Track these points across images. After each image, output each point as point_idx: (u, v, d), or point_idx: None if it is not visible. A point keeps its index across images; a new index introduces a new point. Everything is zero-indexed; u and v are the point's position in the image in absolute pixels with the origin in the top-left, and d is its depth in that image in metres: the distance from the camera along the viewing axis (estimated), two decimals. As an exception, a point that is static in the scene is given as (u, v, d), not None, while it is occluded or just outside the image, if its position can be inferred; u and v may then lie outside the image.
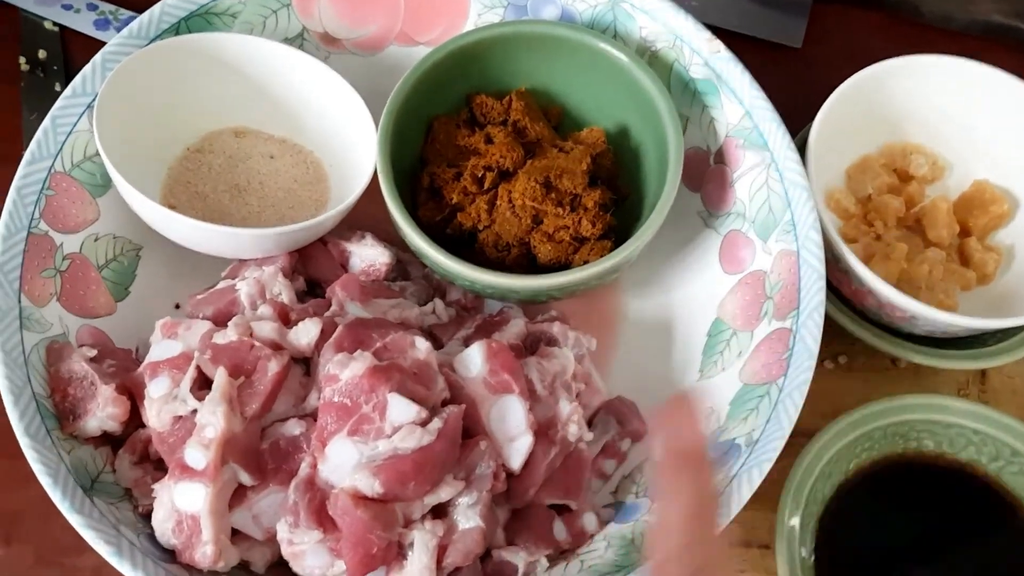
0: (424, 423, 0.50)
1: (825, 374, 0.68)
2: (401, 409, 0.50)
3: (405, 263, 0.65)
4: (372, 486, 0.48)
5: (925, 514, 0.61)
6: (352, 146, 0.63)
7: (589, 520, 0.56)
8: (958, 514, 0.61)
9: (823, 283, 0.56)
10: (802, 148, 0.62)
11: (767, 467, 0.52)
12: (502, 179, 0.62)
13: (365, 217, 0.63)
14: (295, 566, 0.50)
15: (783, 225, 0.59)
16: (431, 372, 0.53)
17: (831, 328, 0.64)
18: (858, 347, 0.68)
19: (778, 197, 0.60)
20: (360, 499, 0.48)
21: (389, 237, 0.63)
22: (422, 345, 0.53)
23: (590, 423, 0.60)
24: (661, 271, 0.67)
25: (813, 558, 0.57)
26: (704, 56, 0.63)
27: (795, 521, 0.56)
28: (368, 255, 0.62)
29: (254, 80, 0.65)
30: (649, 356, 0.65)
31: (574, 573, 0.53)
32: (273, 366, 0.52)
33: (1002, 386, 0.68)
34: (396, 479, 0.48)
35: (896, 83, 0.67)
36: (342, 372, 0.50)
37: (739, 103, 0.62)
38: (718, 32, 0.64)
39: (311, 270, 0.62)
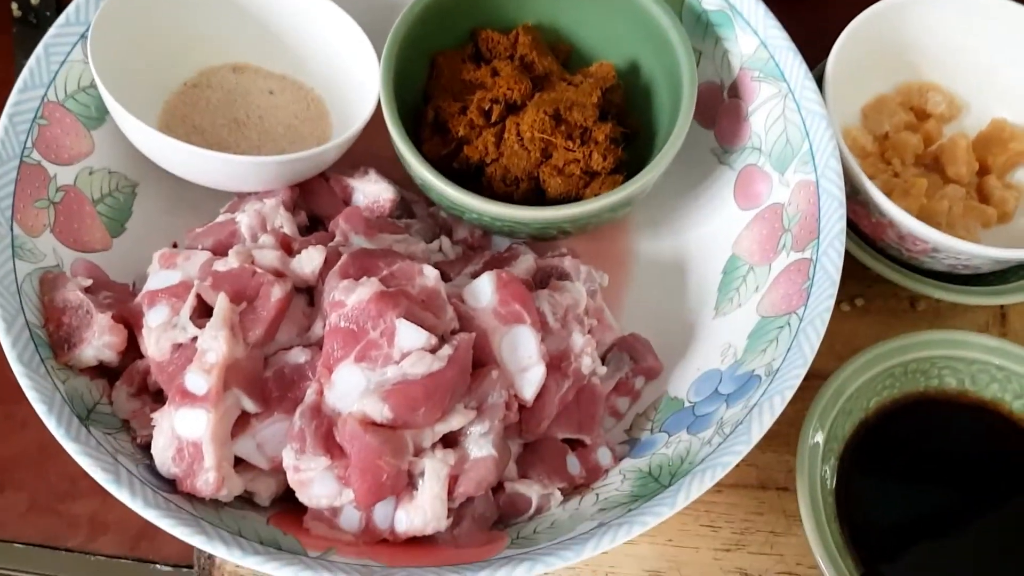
0: (434, 350, 0.48)
1: (842, 316, 0.67)
2: (410, 335, 0.48)
3: (410, 202, 0.63)
4: (381, 411, 0.46)
5: (948, 453, 0.59)
6: (355, 82, 0.62)
7: (603, 455, 0.54)
8: (983, 453, 0.59)
9: (843, 211, 0.55)
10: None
11: (789, 394, 0.50)
12: (510, 112, 0.60)
13: (368, 156, 0.62)
14: (301, 495, 0.48)
15: (801, 156, 0.58)
16: (440, 300, 0.51)
17: (849, 268, 0.62)
18: (875, 289, 0.67)
19: (795, 128, 0.58)
20: (369, 424, 0.46)
21: (392, 176, 0.61)
22: (430, 273, 0.51)
23: (603, 360, 0.58)
24: (674, 211, 0.65)
25: (833, 491, 0.56)
26: (717, -14, 0.61)
27: (816, 441, 0.54)
28: (372, 191, 0.60)
29: (253, 15, 0.63)
30: (663, 295, 0.63)
31: (589, 506, 0.51)
32: (276, 292, 0.50)
33: (1022, 327, 0.67)
34: (405, 404, 0.46)
35: (910, 17, 0.65)
36: (348, 298, 0.48)
37: (754, 34, 0.60)
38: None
39: (313, 206, 0.60)
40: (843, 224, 0.54)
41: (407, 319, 0.48)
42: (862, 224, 0.61)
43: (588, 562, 0.59)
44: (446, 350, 0.48)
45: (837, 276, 0.53)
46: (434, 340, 0.49)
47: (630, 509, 0.49)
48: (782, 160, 0.59)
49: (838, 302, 0.67)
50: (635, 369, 0.58)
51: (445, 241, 0.60)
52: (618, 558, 0.59)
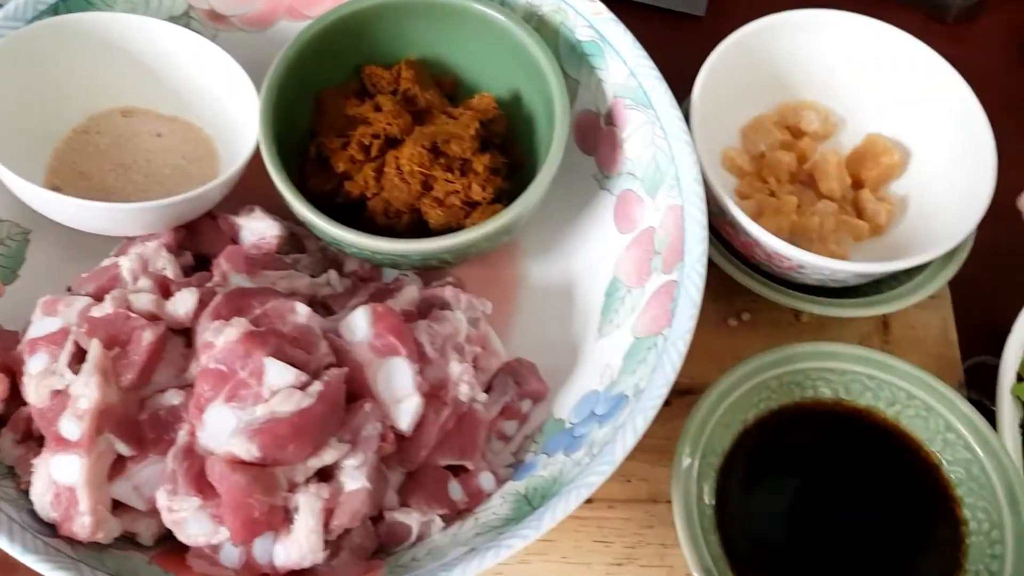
0: (304, 387, 0.50)
1: (729, 331, 0.69)
2: (279, 373, 0.49)
3: (301, 236, 0.64)
4: (249, 450, 0.47)
5: (826, 461, 0.61)
6: (239, 122, 0.63)
7: (486, 479, 0.56)
8: (861, 459, 0.61)
9: (706, 234, 0.57)
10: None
11: (652, 414, 0.52)
12: (390, 147, 0.62)
13: (260, 191, 0.63)
14: (179, 534, 0.49)
15: (669, 181, 0.60)
16: (312, 336, 0.52)
17: (733, 286, 0.65)
18: (761, 303, 0.69)
19: (663, 153, 0.60)
20: (237, 463, 0.48)
21: (285, 212, 0.63)
22: (302, 310, 0.53)
23: (490, 385, 0.60)
24: (560, 235, 0.67)
25: (713, 506, 0.58)
26: (587, 18, 0.63)
27: (689, 463, 0.56)
28: (258, 228, 0.61)
29: (141, 60, 0.64)
30: (551, 319, 0.65)
31: (468, 530, 0.53)
32: (148, 336, 0.51)
33: (904, 336, 0.69)
34: (273, 442, 0.48)
35: (781, 39, 0.68)
36: (217, 339, 0.50)
37: (623, 63, 0.62)
38: (625, 2, 0.64)
39: (201, 245, 0.61)
40: (705, 246, 0.56)
41: (276, 357, 0.50)
42: (736, 243, 0.63)
43: (482, 583, 0.60)
44: (316, 386, 0.50)
45: (699, 297, 0.55)
46: (304, 377, 0.50)
47: (501, 533, 0.50)
48: (653, 185, 0.61)
49: (725, 318, 0.70)
50: (520, 393, 0.59)
51: (333, 274, 0.61)
52: (512, 578, 0.61)
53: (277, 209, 0.63)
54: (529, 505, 0.52)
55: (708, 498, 0.58)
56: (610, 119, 0.64)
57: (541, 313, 0.65)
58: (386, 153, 0.61)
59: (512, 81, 0.65)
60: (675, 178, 0.59)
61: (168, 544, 0.52)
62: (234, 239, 0.62)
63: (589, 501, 0.61)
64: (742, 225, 0.59)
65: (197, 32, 0.65)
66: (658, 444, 0.63)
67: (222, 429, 0.49)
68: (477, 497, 0.55)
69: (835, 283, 0.62)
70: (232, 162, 0.63)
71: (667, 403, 0.65)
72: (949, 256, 0.63)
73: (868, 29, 0.68)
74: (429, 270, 0.64)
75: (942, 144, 0.67)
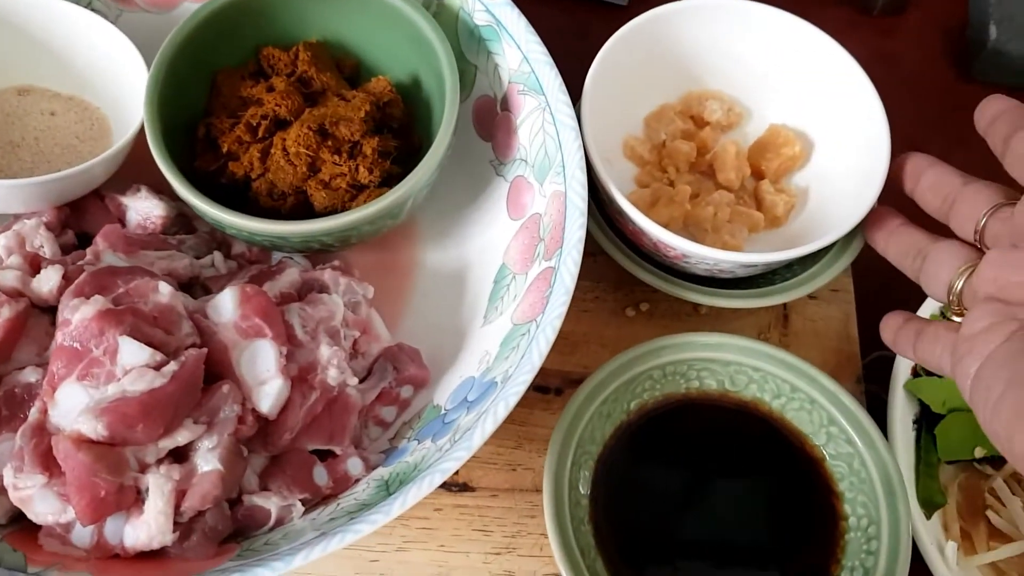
0: (159, 366, 0.49)
1: (626, 321, 0.68)
2: (132, 352, 0.49)
3: (191, 217, 0.64)
4: (95, 428, 0.47)
5: (711, 453, 0.61)
6: (135, 102, 0.62)
7: (354, 465, 0.55)
8: (745, 452, 0.61)
9: (584, 220, 0.56)
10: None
11: (513, 400, 0.51)
12: (279, 128, 0.61)
13: (157, 171, 0.62)
14: (27, 512, 0.49)
15: (555, 167, 0.59)
16: (174, 316, 0.52)
17: (630, 276, 0.64)
18: (660, 294, 0.68)
19: (552, 140, 0.60)
20: (82, 442, 0.47)
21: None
22: (165, 289, 0.52)
23: (370, 370, 0.59)
24: (458, 221, 0.66)
25: (588, 495, 0.57)
26: (484, 2, 0.63)
27: (561, 452, 0.56)
28: (143, 208, 0.61)
29: (38, 39, 0.64)
30: (443, 305, 0.64)
31: (326, 515, 0.53)
32: (5, 312, 0.51)
33: (804, 329, 0.69)
34: (120, 421, 0.47)
35: (682, 27, 0.67)
36: (73, 316, 0.50)
37: (517, 48, 0.62)
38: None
39: (86, 225, 0.61)
40: (582, 233, 0.56)
41: (133, 336, 0.50)
42: (627, 232, 0.63)
43: (360, 571, 0.60)
44: (171, 366, 0.49)
45: (572, 284, 0.54)
46: (159, 357, 0.50)
47: (353, 518, 0.50)
48: (542, 171, 0.60)
49: (623, 307, 0.69)
50: (399, 378, 0.59)
51: (218, 256, 0.61)
52: (390, 565, 0.60)
53: (170, 190, 0.63)
54: (387, 491, 0.52)
55: (583, 488, 0.57)
56: (505, 104, 0.63)
57: (435, 298, 0.65)
58: (274, 135, 0.61)
59: (411, 65, 0.65)
60: (560, 164, 0.59)
61: (23, 523, 0.51)
62: (121, 219, 0.61)
63: (472, 489, 0.62)
64: (627, 214, 0.59)
65: (100, 12, 0.65)
66: (546, 434, 0.63)
67: (74, 407, 0.49)
68: (343, 483, 0.55)
69: (723, 274, 0.62)
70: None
71: (559, 392, 0.66)
72: (844, 247, 0.63)
73: (767, 17, 0.67)
74: (314, 253, 0.63)
75: (843, 137, 0.66)
